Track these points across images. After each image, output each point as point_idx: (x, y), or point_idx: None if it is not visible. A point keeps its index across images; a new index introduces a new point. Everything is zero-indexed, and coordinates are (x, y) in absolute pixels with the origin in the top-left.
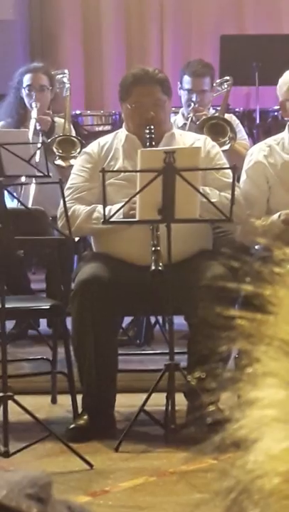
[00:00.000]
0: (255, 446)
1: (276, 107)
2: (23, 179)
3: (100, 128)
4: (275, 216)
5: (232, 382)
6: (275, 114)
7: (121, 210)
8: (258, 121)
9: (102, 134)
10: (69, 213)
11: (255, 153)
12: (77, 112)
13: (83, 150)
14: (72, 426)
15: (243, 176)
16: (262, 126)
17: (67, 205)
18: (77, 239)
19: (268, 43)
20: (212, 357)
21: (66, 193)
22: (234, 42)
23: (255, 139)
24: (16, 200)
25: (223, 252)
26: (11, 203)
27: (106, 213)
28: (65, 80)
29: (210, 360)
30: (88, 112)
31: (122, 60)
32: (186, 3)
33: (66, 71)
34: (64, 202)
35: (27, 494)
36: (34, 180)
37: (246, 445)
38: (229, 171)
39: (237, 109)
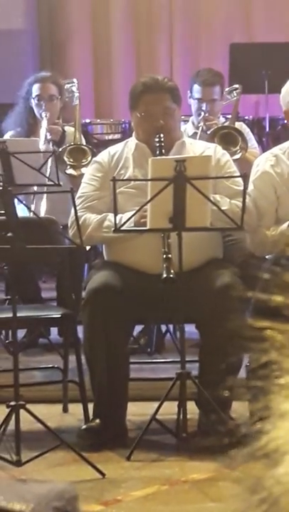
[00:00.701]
0: (287, 458)
1: None
2: (35, 188)
3: (110, 136)
4: (285, 226)
5: (257, 392)
6: (285, 122)
7: (132, 219)
8: (267, 129)
9: (111, 142)
10: (80, 222)
11: (262, 164)
12: (87, 120)
13: (94, 159)
14: (83, 427)
15: (250, 187)
16: (271, 135)
17: (78, 213)
18: (88, 247)
19: (277, 50)
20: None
21: (77, 201)
22: (243, 50)
23: (264, 147)
24: (26, 209)
25: (234, 261)
26: (21, 212)
27: (117, 222)
28: (74, 89)
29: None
30: (98, 120)
31: (131, 68)
32: (195, 12)
33: (75, 80)
34: (75, 211)
35: (54, 507)
36: (45, 190)
37: (277, 457)
38: (239, 179)
39: (246, 117)
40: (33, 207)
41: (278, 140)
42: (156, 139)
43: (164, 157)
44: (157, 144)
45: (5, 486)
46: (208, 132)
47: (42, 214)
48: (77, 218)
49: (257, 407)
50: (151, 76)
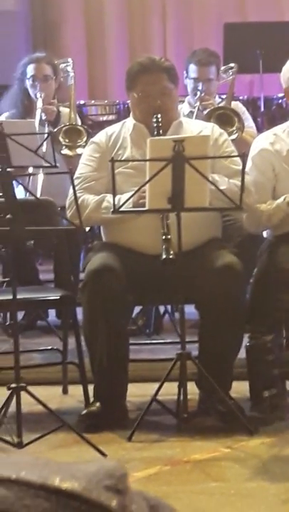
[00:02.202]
0: None
1: (280, 95)
2: (30, 170)
3: (105, 118)
4: (280, 199)
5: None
6: (280, 101)
7: (130, 200)
8: (262, 108)
9: (106, 123)
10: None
11: (261, 141)
12: (82, 102)
13: (91, 140)
14: (84, 412)
15: (249, 163)
16: (266, 114)
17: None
18: (87, 229)
19: (271, 30)
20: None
21: (75, 182)
22: (238, 30)
23: (259, 127)
24: (23, 191)
25: (232, 240)
26: (19, 194)
27: (116, 203)
28: (69, 68)
29: (221, 349)
30: (92, 101)
31: (124, 49)
32: None
33: (70, 60)
34: (74, 192)
35: (105, 486)
36: (41, 171)
37: None
38: (237, 158)
39: (241, 97)
40: (29, 188)
41: (273, 120)
42: (154, 119)
43: (162, 137)
44: (155, 124)
45: (54, 466)
46: (205, 112)
47: (39, 195)
48: (76, 199)
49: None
50: (148, 56)
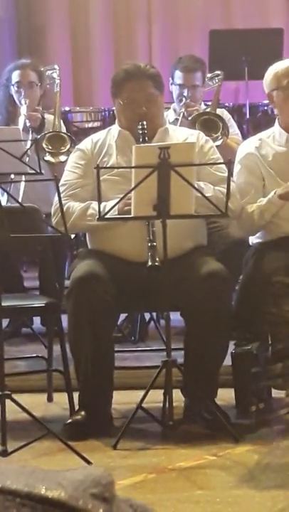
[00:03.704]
0: None
1: (266, 101)
2: (12, 177)
3: (90, 124)
4: (271, 194)
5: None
6: (265, 108)
7: (116, 207)
8: (247, 115)
9: (91, 130)
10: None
11: (246, 146)
12: (67, 108)
13: (76, 147)
14: (68, 421)
15: (237, 167)
16: (252, 121)
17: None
18: (73, 236)
19: (256, 37)
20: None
21: (60, 189)
22: (223, 37)
23: (244, 134)
24: (6, 198)
25: (218, 248)
26: (2, 201)
27: (101, 210)
28: (55, 75)
29: (207, 356)
30: (77, 108)
31: (110, 56)
32: None
33: (56, 66)
34: (59, 199)
35: (92, 494)
36: (24, 178)
37: None
38: (223, 166)
39: (226, 104)
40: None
41: (258, 127)
42: (139, 126)
43: (147, 144)
44: (140, 131)
45: (40, 474)
46: (190, 118)
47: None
48: (61, 206)
49: None
50: (133, 63)
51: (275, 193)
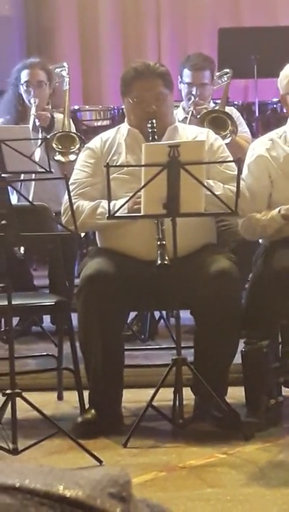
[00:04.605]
0: None
1: (275, 99)
2: (22, 176)
3: (99, 123)
4: (275, 211)
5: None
6: (274, 106)
7: (125, 205)
8: (256, 113)
9: (101, 128)
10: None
11: (257, 148)
12: (76, 107)
13: (86, 145)
14: (79, 420)
15: (245, 171)
16: (261, 119)
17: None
18: (82, 234)
19: (265, 35)
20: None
21: (70, 188)
22: (232, 35)
23: (254, 132)
24: (16, 197)
25: (227, 246)
26: (12, 200)
27: (110, 208)
28: (64, 73)
29: (217, 354)
30: (87, 107)
31: (119, 54)
32: None
33: (65, 64)
34: (70, 197)
35: (109, 493)
36: (34, 176)
37: None
38: (232, 164)
39: (236, 102)
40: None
41: (268, 124)
42: (149, 125)
43: (157, 143)
44: (150, 130)
45: (58, 473)
46: (198, 117)
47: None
48: (71, 205)
49: None
50: (142, 61)
51: (279, 211)
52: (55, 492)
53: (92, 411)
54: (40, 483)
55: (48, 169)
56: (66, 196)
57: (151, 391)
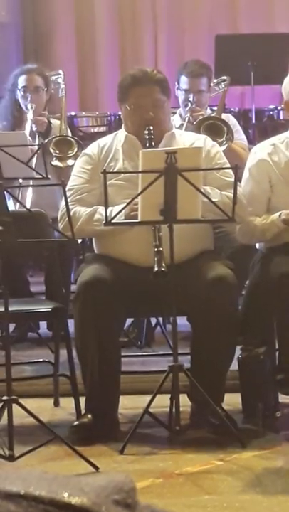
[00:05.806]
0: None
1: (272, 106)
2: (20, 181)
3: (96, 129)
4: (276, 215)
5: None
6: (271, 113)
7: (122, 212)
8: (253, 120)
9: (97, 135)
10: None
11: (259, 152)
12: (72, 113)
13: (83, 151)
14: (75, 423)
15: (246, 174)
16: (257, 126)
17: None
18: (79, 241)
19: (262, 42)
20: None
21: (67, 194)
22: (229, 41)
23: (250, 139)
24: (13, 203)
25: (224, 252)
26: (9, 206)
27: (107, 215)
28: (60, 80)
29: (214, 361)
30: (83, 113)
31: (115, 61)
32: (180, 4)
33: (61, 72)
34: (66, 203)
35: (114, 500)
36: (31, 182)
37: None
38: (229, 170)
39: (232, 109)
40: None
41: (264, 131)
42: (146, 131)
43: (154, 149)
44: (147, 136)
45: (63, 480)
46: (194, 123)
47: (28, 207)
48: (68, 211)
49: None
50: (140, 68)
51: (279, 216)
52: (60, 499)
53: (89, 415)
54: (45, 491)
55: (45, 175)
56: (63, 202)
57: (148, 398)
